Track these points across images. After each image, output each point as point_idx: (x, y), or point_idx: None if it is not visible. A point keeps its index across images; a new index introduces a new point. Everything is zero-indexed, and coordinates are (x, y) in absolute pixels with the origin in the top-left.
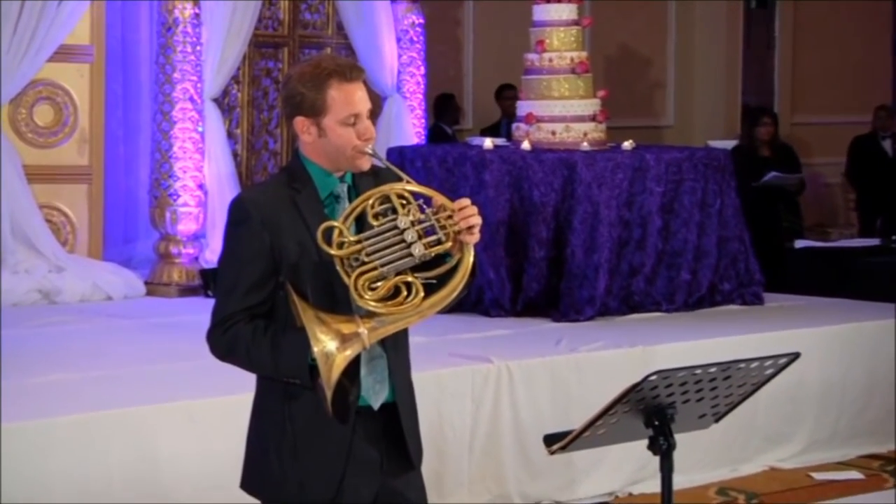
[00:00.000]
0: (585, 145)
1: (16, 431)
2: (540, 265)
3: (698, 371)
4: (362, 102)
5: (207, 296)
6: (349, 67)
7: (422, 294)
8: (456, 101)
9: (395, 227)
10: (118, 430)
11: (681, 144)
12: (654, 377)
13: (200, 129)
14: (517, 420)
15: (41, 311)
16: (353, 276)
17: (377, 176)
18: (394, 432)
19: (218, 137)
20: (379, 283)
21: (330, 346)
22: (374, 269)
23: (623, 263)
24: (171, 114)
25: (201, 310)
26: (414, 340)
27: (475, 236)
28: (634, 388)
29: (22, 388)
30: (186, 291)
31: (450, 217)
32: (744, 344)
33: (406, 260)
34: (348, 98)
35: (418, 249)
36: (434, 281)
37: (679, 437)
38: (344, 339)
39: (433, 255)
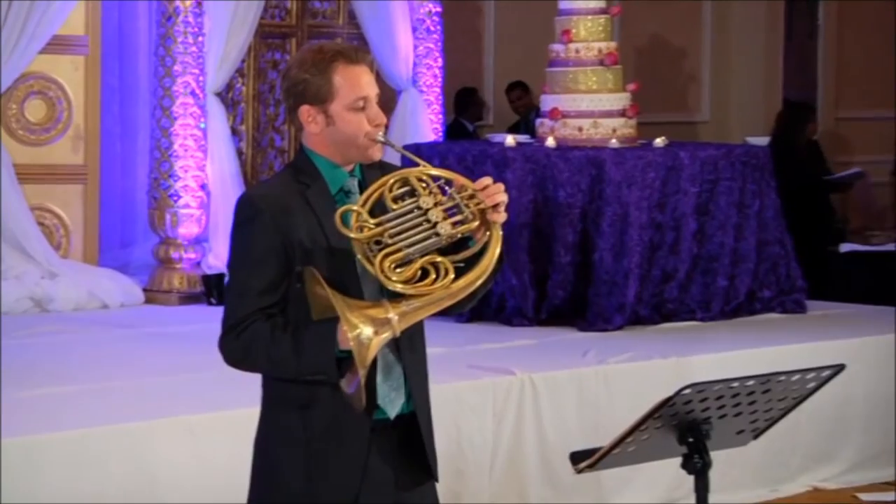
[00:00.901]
0: (614, 142)
1: (5, 448)
2: (566, 271)
3: (736, 384)
4: (370, 86)
5: (210, 303)
6: (353, 49)
7: (452, 274)
8: (479, 96)
9: (418, 208)
10: (115, 447)
11: (717, 141)
12: (688, 391)
13: (202, 125)
14: (541, 436)
15: (33, 320)
16: (378, 259)
17: (384, 169)
18: (410, 444)
19: (221, 134)
20: (405, 266)
21: (365, 331)
22: (399, 250)
23: (655, 269)
24: (172, 109)
25: (203, 319)
26: (431, 351)
27: (502, 214)
28: (667, 403)
29: (12, 403)
30: (188, 299)
31: (473, 196)
32: (785, 355)
33: (432, 240)
34: (355, 81)
35: (445, 228)
36: (461, 264)
37: (715, 455)
38: (376, 324)
39: (460, 235)
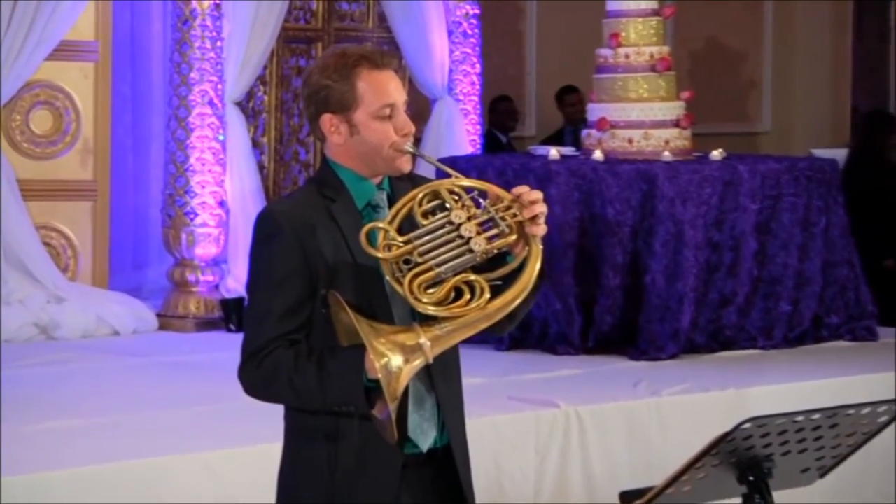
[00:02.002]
0: (667, 155)
1: (6, 487)
2: (614, 294)
3: (800, 418)
4: (397, 92)
5: (229, 330)
6: (378, 53)
7: (488, 294)
8: (512, 104)
9: (450, 223)
10: (126, 486)
11: (779, 154)
12: (748, 425)
13: (221, 137)
14: (588, 475)
15: (38, 347)
16: (407, 279)
17: (413, 182)
18: (445, 480)
19: (241, 147)
20: (436, 287)
21: (394, 359)
22: (430, 269)
23: (712, 292)
24: (188, 120)
25: (222, 346)
26: (468, 381)
27: (541, 226)
28: (725, 438)
29: (14, 437)
30: (205, 325)
31: (509, 208)
32: (854, 386)
33: (466, 258)
34: (381, 87)
35: (479, 244)
36: (499, 282)
37: (777, 496)
38: (406, 351)
39: (496, 250)
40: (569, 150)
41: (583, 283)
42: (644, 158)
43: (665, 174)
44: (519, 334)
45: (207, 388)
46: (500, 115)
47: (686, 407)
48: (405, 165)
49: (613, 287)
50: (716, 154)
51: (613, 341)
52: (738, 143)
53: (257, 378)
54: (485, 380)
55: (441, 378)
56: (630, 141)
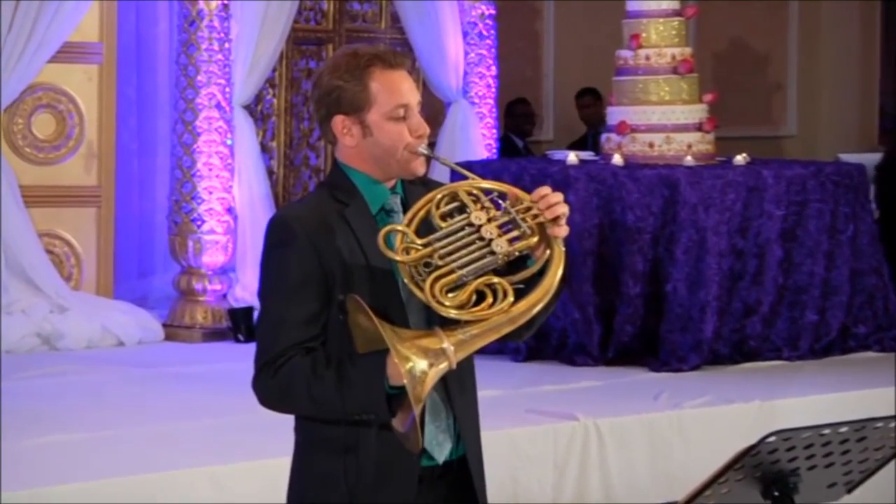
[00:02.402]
0: (689, 160)
1: (11, 502)
2: (635, 303)
3: (827, 431)
4: (411, 92)
5: (238, 340)
6: (391, 52)
7: (511, 296)
8: (529, 107)
9: (470, 225)
10: (130, 501)
11: (805, 158)
12: (773, 438)
13: (229, 141)
14: (608, 490)
15: (40, 358)
16: (428, 282)
17: (427, 186)
18: (460, 492)
19: (250, 152)
20: (458, 290)
21: (419, 364)
22: (451, 272)
23: (735, 302)
24: (195, 124)
25: (230, 357)
26: (484, 393)
27: (563, 227)
28: (750, 452)
29: (16, 452)
30: (213, 335)
31: (530, 209)
32: (882, 398)
33: (487, 260)
34: (394, 87)
35: (500, 246)
36: (521, 286)
37: None
38: (429, 356)
39: (518, 252)
40: (588, 155)
41: (602, 292)
42: (665, 163)
43: (687, 179)
44: (536, 345)
45: (214, 401)
46: (516, 118)
47: (709, 420)
48: (420, 168)
49: (634, 296)
50: (740, 159)
51: (634, 352)
52: (763, 148)
53: (273, 388)
54: (501, 392)
55: (457, 389)
56: (651, 145)
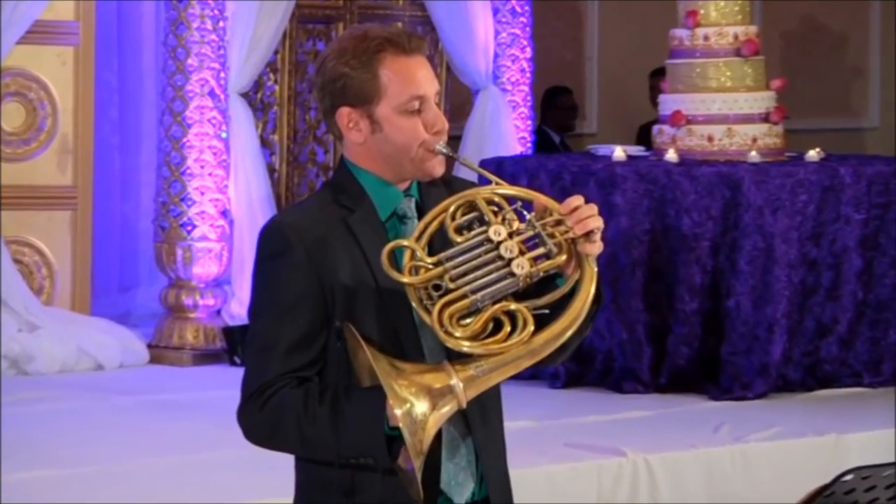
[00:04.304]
0: (754, 155)
1: None
2: (691, 322)
3: None
4: (428, 82)
5: (233, 363)
6: (405, 35)
7: (531, 326)
8: (572, 98)
9: (488, 241)
10: None
11: (889, 154)
12: (850, 476)
13: (224, 134)
14: None
15: (7, 384)
16: (436, 308)
17: (450, 187)
18: None
19: (248, 146)
20: (471, 317)
21: (418, 406)
22: (464, 297)
23: (808, 319)
24: (185, 114)
25: (224, 383)
26: (517, 425)
27: (596, 244)
28: (823, 492)
29: None
30: (205, 358)
31: (559, 223)
32: None
33: (506, 283)
34: (408, 76)
35: (522, 267)
36: (546, 311)
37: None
38: (433, 396)
39: (542, 273)
40: (637, 150)
41: (654, 309)
42: (727, 159)
43: (752, 178)
44: (578, 369)
45: (207, 433)
46: (556, 111)
47: (777, 455)
48: (437, 169)
49: (690, 313)
50: (813, 154)
51: (690, 377)
52: (840, 142)
53: (260, 422)
54: (537, 423)
55: (478, 421)
56: (710, 139)
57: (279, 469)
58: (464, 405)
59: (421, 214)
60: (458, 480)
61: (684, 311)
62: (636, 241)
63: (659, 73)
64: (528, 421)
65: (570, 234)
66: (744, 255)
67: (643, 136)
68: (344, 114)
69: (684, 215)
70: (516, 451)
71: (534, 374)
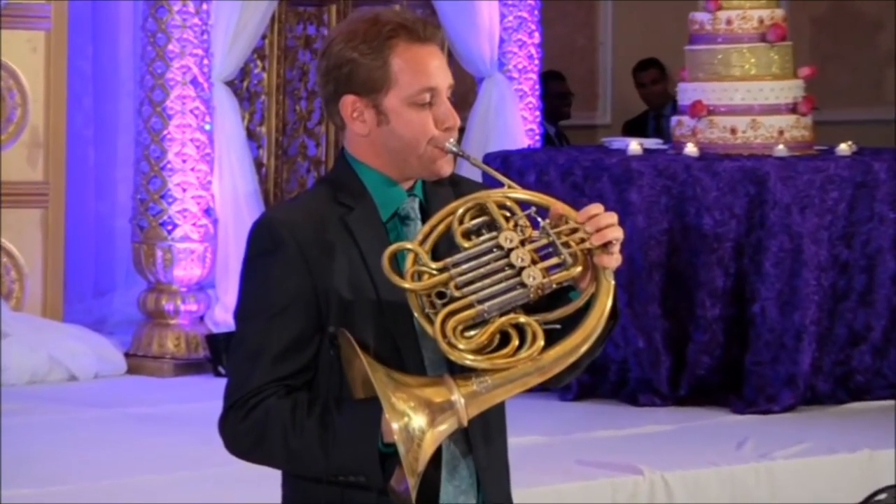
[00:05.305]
0: (781, 149)
1: None
2: (713, 329)
3: None
4: (441, 74)
5: (217, 374)
6: (421, 22)
7: (541, 341)
8: (564, 84)
9: (498, 248)
10: None
11: None
12: (883, 495)
13: (208, 126)
14: None
15: None
16: (440, 317)
17: (457, 188)
18: None
19: (233, 139)
20: (477, 329)
21: (416, 420)
22: (470, 306)
23: (839, 326)
24: (165, 105)
25: (208, 395)
26: (524, 441)
27: (614, 257)
28: None
29: None
30: (186, 368)
31: (575, 231)
32: None
33: (516, 293)
34: (421, 66)
35: (533, 277)
36: (557, 326)
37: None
38: (433, 411)
39: (555, 285)
40: (654, 143)
41: (672, 315)
42: (751, 153)
43: (778, 174)
44: (590, 380)
45: (189, 449)
46: (548, 98)
47: (805, 473)
48: (445, 168)
49: (711, 319)
50: (844, 148)
51: (711, 389)
52: (873, 135)
53: (243, 433)
54: (546, 438)
55: (480, 438)
56: (733, 131)
57: (266, 487)
58: (465, 423)
59: (425, 216)
60: (459, 503)
61: (705, 318)
62: (653, 242)
63: (645, 67)
64: (536, 436)
65: (587, 245)
66: (769, 256)
67: (630, 132)
68: (348, 102)
69: (705, 214)
70: (524, 469)
71: (543, 386)
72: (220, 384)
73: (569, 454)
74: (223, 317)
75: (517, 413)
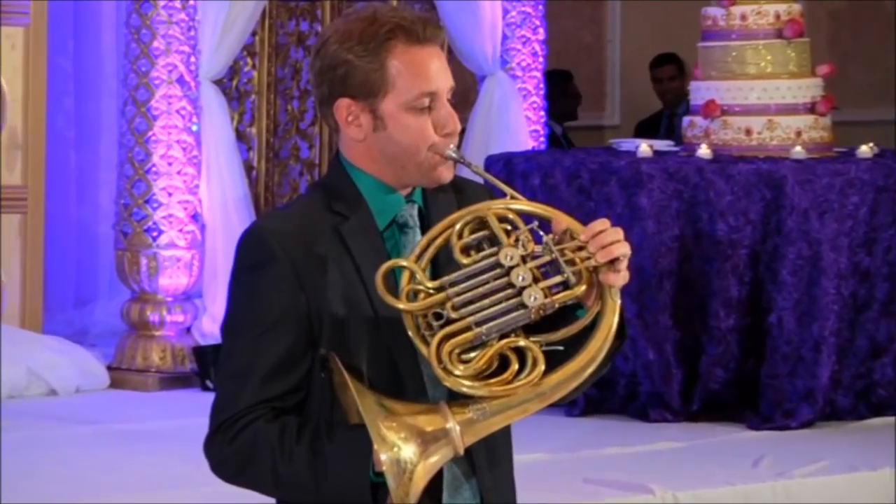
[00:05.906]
0: (799, 151)
1: None
2: (727, 340)
3: None
4: (441, 76)
5: (205, 388)
6: (421, 21)
7: (542, 366)
8: (572, 83)
9: (498, 265)
10: None
11: None
12: None
13: (195, 127)
14: None
15: None
16: (435, 340)
17: (461, 194)
18: None
19: (222, 140)
20: (475, 353)
21: (406, 450)
22: (467, 329)
23: (860, 338)
24: (150, 104)
25: (195, 410)
26: (529, 458)
27: (621, 274)
28: None
29: None
30: (172, 382)
31: (581, 248)
32: None
33: (516, 315)
34: (420, 68)
35: (535, 297)
36: (560, 347)
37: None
38: (425, 440)
39: (558, 305)
40: (665, 145)
41: (684, 326)
42: (767, 156)
43: (796, 177)
44: (598, 395)
45: (175, 467)
46: (560, 99)
47: (824, 492)
48: (445, 175)
49: (726, 330)
50: (865, 150)
51: (726, 404)
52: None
53: (230, 456)
54: (552, 455)
55: (484, 458)
56: (748, 132)
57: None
58: (461, 452)
59: (424, 223)
60: None
61: (719, 329)
62: (664, 249)
63: (662, 62)
64: (541, 453)
65: (592, 262)
66: (787, 264)
67: (643, 133)
68: (343, 106)
69: (719, 219)
70: (528, 488)
71: None
72: (208, 399)
73: (575, 472)
74: (211, 328)
75: (521, 429)
